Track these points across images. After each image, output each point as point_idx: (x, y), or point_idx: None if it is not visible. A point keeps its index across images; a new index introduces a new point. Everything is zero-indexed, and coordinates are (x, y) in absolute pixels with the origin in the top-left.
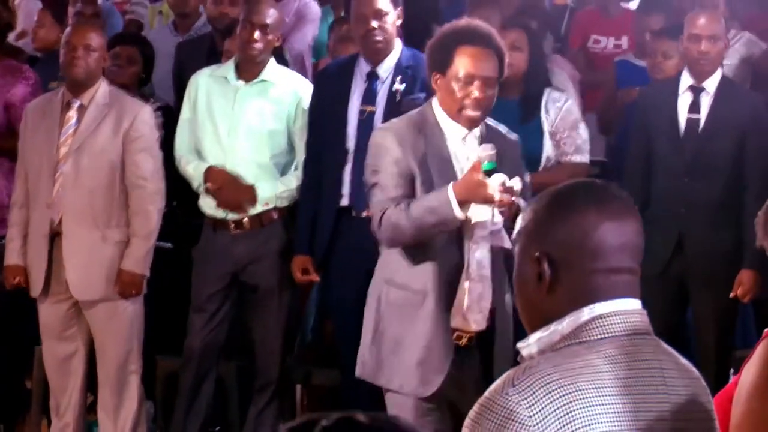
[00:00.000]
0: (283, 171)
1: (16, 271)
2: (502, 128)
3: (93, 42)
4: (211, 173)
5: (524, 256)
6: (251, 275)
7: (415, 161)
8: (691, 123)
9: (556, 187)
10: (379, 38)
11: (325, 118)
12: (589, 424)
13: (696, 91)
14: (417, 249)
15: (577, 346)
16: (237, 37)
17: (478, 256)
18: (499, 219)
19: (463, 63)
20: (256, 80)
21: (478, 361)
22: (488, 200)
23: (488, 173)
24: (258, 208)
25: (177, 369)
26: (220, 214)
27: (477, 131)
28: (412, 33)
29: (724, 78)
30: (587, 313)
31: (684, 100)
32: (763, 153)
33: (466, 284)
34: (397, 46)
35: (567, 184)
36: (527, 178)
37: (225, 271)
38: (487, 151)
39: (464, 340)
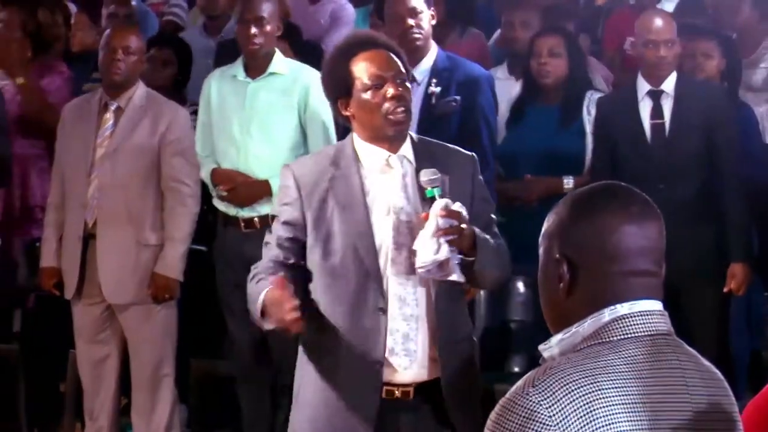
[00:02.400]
0: None
1: (51, 273)
2: (447, 145)
3: (132, 44)
4: (216, 175)
5: (546, 258)
6: None
7: (312, 202)
8: (657, 128)
9: (579, 189)
10: (417, 35)
11: None
12: (609, 424)
13: (655, 95)
14: (326, 294)
15: (598, 347)
16: (236, 36)
17: (399, 292)
18: (444, 251)
19: (363, 69)
20: (264, 75)
21: (428, 422)
22: (281, 322)
23: (432, 199)
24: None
25: (211, 371)
26: (231, 211)
27: (406, 149)
28: (448, 35)
29: (680, 76)
30: (608, 314)
31: (645, 106)
32: (731, 143)
33: (382, 322)
34: (433, 48)
35: (589, 186)
36: (490, 199)
37: (240, 267)
38: (428, 176)
39: (397, 393)
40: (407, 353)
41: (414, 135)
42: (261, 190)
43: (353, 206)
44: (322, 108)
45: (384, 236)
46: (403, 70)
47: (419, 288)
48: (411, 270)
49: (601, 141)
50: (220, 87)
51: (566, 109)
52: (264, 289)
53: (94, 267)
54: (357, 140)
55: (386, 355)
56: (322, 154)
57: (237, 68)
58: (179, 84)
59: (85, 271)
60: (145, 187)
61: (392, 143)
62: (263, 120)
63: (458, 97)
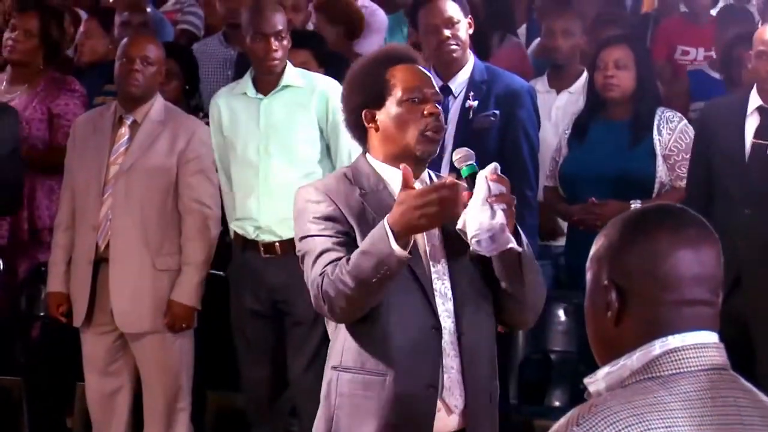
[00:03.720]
0: None
1: (58, 299)
2: None
3: (151, 54)
4: None
5: (594, 285)
6: (286, 304)
7: (352, 217)
8: (757, 149)
9: (631, 211)
10: (454, 47)
11: None
12: None
13: (765, 112)
14: (374, 311)
15: (648, 382)
16: (249, 52)
17: (447, 324)
18: (500, 216)
19: (403, 80)
20: (277, 89)
21: None
22: (434, 222)
23: (472, 176)
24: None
25: (229, 405)
26: (250, 234)
27: (426, 177)
28: (487, 44)
29: None
30: (659, 346)
31: (751, 123)
32: None
33: (437, 343)
34: (470, 59)
35: (641, 208)
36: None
37: (260, 294)
38: (462, 153)
39: None
40: (461, 394)
41: (430, 171)
42: None
43: None
44: None
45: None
46: (439, 93)
47: (453, 321)
48: (452, 303)
49: (698, 152)
50: (230, 106)
51: (635, 126)
52: (370, 234)
53: (105, 293)
54: (373, 161)
55: (443, 395)
56: (336, 176)
57: (245, 85)
58: (188, 95)
59: (96, 297)
60: (162, 207)
61: (414, 167)
62: (282, 138)
63: (497, 111)
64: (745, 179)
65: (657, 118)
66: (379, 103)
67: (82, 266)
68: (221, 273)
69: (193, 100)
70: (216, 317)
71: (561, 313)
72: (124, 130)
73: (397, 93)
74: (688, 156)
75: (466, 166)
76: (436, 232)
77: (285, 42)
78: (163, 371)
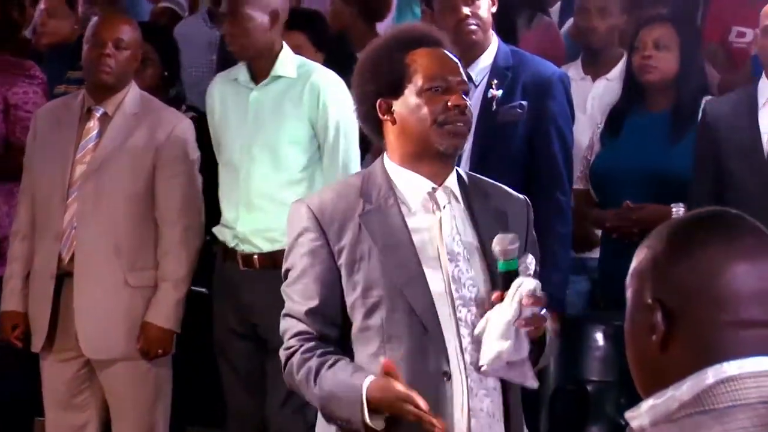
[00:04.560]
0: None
1: (14, 319)
2: (498, 184)
3: (125, 36)
4: None
5: (636, 303)
6: (262, 328)
7: (342, 243)
8: None
9: (678, 218)
10: (473, 27)
11: None
12: None
13: None
14: (374, 362)
15: (699, 416)
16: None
17: (477, 358)
18: (526, 348)
19: (425, 66)
20: (267, 79)
21: None
22: (410, 417)
23: (508, 275)
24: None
25: None
26: (230, 242)
27: (452, 182)
28: (513, 25)
29: None
30: (713, 374)
31: (765, 114)
32: None
33: (447, 390)
34: (494, 41)
35: (690, 214)
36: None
37: (238, 310)
38: (507, 244)
39: None
40: None
41: (459, 169)
42: None
43: (398, 246)
44: (342, 114)
45: (438, 287)
46: (466, 79)
47: (498, 394)
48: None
49: (702, 153)
50: (223, 96)
51: (677, 117)
52: (347, 383)
53: (69, 313)
54: (390, 165)
55: None
56: (344, 184)
57: (239, 70)
58: (167, 84)
59: (58, 317)
60: (136, 214)
61: (438, 169)
62: (267, 139)
63: (525, 102)
64: (767, 176)
65: (703, 107)
66: (397, 92)
67: (43, 281)
68: (204, 290)
69: (172, 90)
70: (197, 341)
71: (599, 337)
72: (93, 124)
73: (418, 81)
74: None
75: (505, 261)
76: (461, 251)
77: (259, 19)
78: (136, 404)
